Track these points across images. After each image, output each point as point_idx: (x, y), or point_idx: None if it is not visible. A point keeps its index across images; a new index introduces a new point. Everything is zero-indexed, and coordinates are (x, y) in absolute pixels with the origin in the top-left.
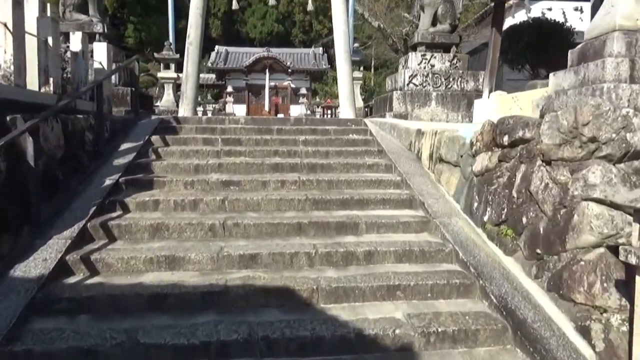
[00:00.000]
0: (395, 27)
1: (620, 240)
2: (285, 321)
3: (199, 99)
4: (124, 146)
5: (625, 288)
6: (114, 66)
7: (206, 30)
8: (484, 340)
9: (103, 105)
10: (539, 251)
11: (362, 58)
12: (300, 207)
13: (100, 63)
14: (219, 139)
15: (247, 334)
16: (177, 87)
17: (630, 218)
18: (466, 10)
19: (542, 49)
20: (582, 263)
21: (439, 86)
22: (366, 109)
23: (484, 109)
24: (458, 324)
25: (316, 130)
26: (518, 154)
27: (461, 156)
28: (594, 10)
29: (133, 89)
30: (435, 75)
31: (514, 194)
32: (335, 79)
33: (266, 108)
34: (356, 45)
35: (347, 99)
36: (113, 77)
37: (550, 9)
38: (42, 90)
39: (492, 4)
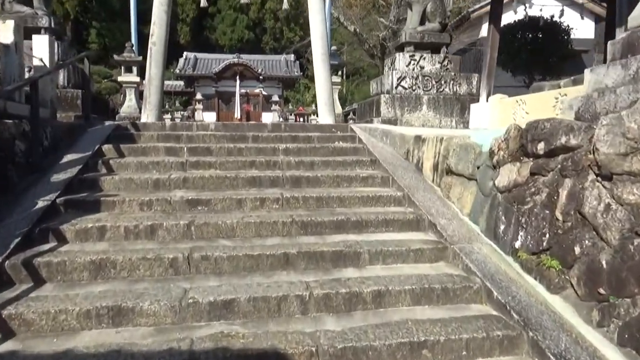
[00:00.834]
0: (371, 32)
1: None
2: None
3: (167, 106)
4: (68, 157)
5: None
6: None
7: (174, 36)
8: None
9: (40, 108)
10: (602, 291)
11: (340, 62)
12: (286, 231)
13: (42, 60)
14: (185, 148)
15: None
16: (140, 93)
17: None
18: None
19: (537, 50)
20: None
21: (430, 89)
22: (345, 116)
23: (481, 114)
24: None
25: (297, 137)
26: (559, 166)
27: (477, 167)
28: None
29: (84, 91)
30: (426, 78)
31: (559, 215)
32: (307, 87)
33: (237, 115)
34: (333, 48)
35: (326, 104)
36: (61, 77)
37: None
38: None
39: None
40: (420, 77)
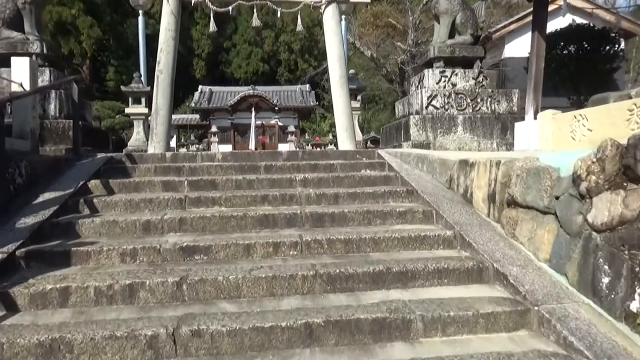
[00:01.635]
0: (389, 56)
1: None
2: None
3: (182, 139)
4: (45, 197)
5: None
6: (53, 93)
7: (189, 70)
8: None
9: (15, 140)
10: None
11: (359, 86)
12: (307, 288)
13: (22, 85)
14: (185, 182)
15: None
16: (149, 126)
17: None
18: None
19: (584, 62)
20: None
21: (465, 108)
22: (364, 143)
23: (529, 134)
24: None
25: (317, 166)
26: None
27: (556, 198)
28: None
29: (73, 121)
30: (459, 96)
31: None
32: (323, 117)
33: (252, 147)
34: (352, 71)
35: (346, 130)
36: (52, 107)
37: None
38: None
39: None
40: (453, 95)
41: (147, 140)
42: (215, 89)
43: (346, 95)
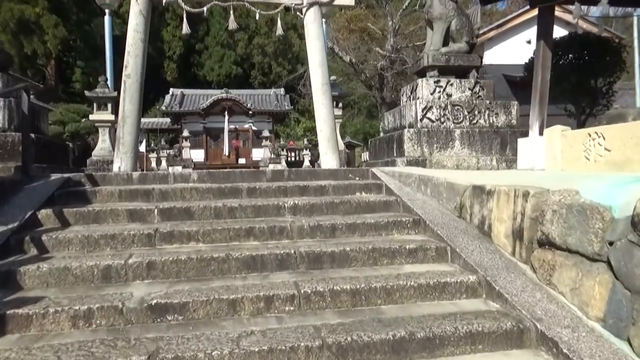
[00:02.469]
0: (368, 61)
1: None
2: None
3: (152, 144)
4: None
5: None
6: (1, 101)
7: (160, 72)
8: None
9: None
10: None
11: (341, 93)
12: None
13: None
14: (156, 211)
15: None
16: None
17: None
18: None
19: (583, 73)
20: None
21: (461, 121)
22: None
23: (534, 152)
24: None
25: (307, 188)
26: None
27: (610, 243)
28: None
29: (22, 134)
30: (456, 108)
31: None
32: (297, 121)
33: (225, 152)
34: (333, 77)
35: (329, 140)
36: (0, 117)
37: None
38: None
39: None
40: (449, 107)
41: (114, 149)
42: (187, 91)
43: (329, 103)
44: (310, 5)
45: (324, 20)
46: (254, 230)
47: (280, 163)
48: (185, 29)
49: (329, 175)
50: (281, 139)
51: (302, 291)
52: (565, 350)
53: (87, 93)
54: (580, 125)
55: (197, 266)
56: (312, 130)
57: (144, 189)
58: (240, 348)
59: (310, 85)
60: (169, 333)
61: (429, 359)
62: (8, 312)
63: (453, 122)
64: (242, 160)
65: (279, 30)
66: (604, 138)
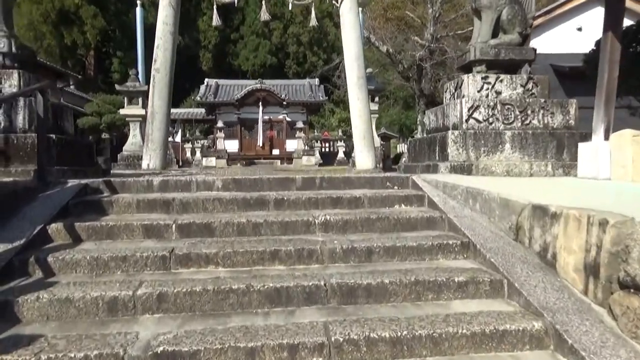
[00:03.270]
0: (406, 52)
1: None
2: None
3: (187, 134)
4: None
5: None
6: (21, 101)
7: (196, 62)
8: None
9: None
10: None
11: (377, 86)
12: None
13: None
14: (174, 226)
15: None
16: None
17: None
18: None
19: None
20: None
21: (512, 122)
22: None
23: (598, 159)
24: None
25: (340, 199)
26: None
27: None
28: None
29: (37, 138)
30: (506, 107)
31: None
32: (332, 111)
33: (259, 143)
34: (369, 70)
35: (364, 138)
36: (20, 118)
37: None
38: None
39: None
40: (498, 106)
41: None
42: (221, 82)
43: (365, 99)
44: None
45: (360, 9)
46: (280, 253)
47: (314, 155)
48: (216, 20)
49: (364, 184)
50: (315, 130)
51: (332, 338)
52: None
53: (117, 87)
54: None
55: (213, 299)
56: (347, 121)
57: (164, 198)
58: None
59: (345, 78)
60: None
61: None
62: None
63: (503, 123)
64: (275, 152)
65: (313, 21)
66: None
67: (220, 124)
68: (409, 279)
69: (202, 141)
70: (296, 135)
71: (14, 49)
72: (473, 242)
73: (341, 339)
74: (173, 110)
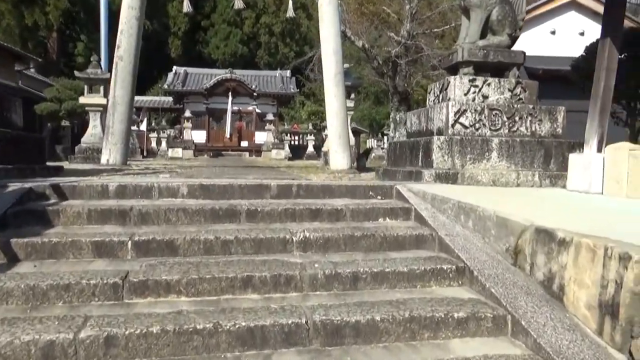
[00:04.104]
0: (381, 48)
1: None
2: None
3: (153, 123)
4: None
5: None
6: None
7: (164, 48)
8: None
9: None
10: None
11: (354, 82)
12: None
13: None
14: (130, 243)
15: None
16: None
17: None
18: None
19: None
20: None
21: (499, 128)
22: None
23: (591, 171)
24: None
25: (320, 211)
26: None
27: None
28: None
29: None
30: (494, 112)
31: None
32: (302, 104)
33: (228, 134)
34: (346, 65)
35: (340, 137)
36: None
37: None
38: None
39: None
40: (485, 111)
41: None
42: (190, 70)
43: (342, 96)
44: None
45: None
46: (253, 280)
47: (283, 148)
48: (187, 6)
49: (345, 193)
50: (285, 122)
51: None
52: None
53: (77, 74)
54: (635, 134)
55: (174, 341)
56: (317, 114)
57: (120, 207)
58: None
59: (320, 72)
60: None
61: None
62: None
63: (490, 129)
64: (244, 143)
65: (290, 12)
66: None
67: (187, 113)
68: (402, 315)
69: (168, 131)
70: (266, 128)
71: None
72: (469, 267)
73: None
74: (138, 98)
